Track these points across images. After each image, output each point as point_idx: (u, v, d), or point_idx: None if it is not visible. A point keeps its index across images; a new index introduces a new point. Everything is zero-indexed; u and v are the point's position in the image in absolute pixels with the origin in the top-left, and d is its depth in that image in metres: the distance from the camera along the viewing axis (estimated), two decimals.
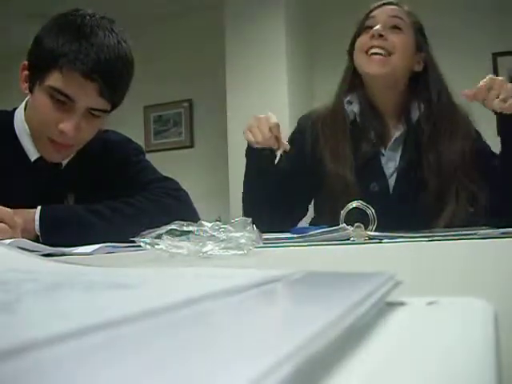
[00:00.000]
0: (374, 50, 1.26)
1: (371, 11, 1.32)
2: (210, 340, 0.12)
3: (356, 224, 0.91)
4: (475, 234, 0.85)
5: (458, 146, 1.26)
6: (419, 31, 1.33)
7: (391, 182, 1.29)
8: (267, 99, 3.49)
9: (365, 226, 0.93)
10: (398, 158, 1.30)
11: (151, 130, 4.63)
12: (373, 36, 1.27)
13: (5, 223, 0.86)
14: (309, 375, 0.11)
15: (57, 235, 0.97)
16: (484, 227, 0.96)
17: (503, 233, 0.82)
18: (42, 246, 0.78)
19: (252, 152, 1.27)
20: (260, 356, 0.10)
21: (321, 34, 3.85)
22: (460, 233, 0.89)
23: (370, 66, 1.27)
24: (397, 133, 1.31)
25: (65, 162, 1.17)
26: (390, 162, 1.31)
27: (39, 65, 1.03)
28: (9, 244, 0.64)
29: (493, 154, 1.30)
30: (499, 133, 1.24)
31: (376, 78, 1.28)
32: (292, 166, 1.30)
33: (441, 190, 1.24)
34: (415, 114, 1.30)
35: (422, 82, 1.31)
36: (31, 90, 1.07)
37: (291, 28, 3.60)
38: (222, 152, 3.76)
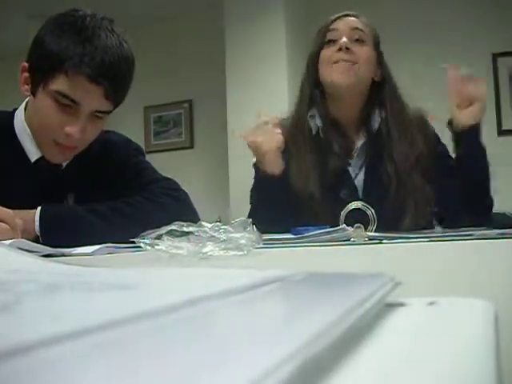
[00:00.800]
0: (341, 63, 1.28)
1: (331, 23, 1.33)
2: (210, 340, 0.12)
3: (356, 225, 0.91)
4: (473, 234, 0.85)
5: (415, 150, 1.29)
6: (378, 41, 1.35)
7: (359, 187, 1.31)
8: (267, 99, 3.49)
9: (365, 226, 0.93)
10: (362, 165, 1.33)
11: (151, 130, 4.63)
12: (340, 49, 1.28)
13: (5, 223, 0.86)
14: (309, 376, 0.11)
15: (57, 236, 0.97)
16: (481, 228, 0.96)
17: (500, 233, 0.83)
18: (42, 246, 0.78)
19: (268, 181, 1.25)
20: (260, 357, 0.10)
21: None
22: (459, 234, 0.89)
23: (336, 75, 1.28)
24: (359, 142, 1.34)
25: (65, 163, 1.17)
26: (357, 169, 1.33)
27: (42, 68, 1.03)
28: (9, 245, 0.64)
29: (449, 156, 1.34)
30: (458, 149, 1.28)
31: (341, 88, 1.29)
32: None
33: (401, 192, 1.27)
34: (375, 123, 1.33)
35: (380, 92, 1.33)
36: (33, 93, 1.07)
37: (291, 27, 3.60)
38: (222, 153, 3.75)
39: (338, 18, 1.33)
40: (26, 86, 1.08)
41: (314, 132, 1.33)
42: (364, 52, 1.29)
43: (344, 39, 1.28)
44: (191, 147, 4.53)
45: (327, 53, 1.30)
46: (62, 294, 0.20)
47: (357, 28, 1.31)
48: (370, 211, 1.00)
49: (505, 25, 3.37)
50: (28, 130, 1.12)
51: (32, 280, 0.25)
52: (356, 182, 1.31)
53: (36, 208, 1.01)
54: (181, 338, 0.12)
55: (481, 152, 1.25)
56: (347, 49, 1.27)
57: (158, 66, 4.38)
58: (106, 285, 0.22)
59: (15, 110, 1.17)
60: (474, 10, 3.46)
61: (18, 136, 1.13)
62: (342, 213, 1.02)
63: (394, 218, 1.22)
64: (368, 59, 1.30)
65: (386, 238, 0.89)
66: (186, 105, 4.50)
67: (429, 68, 3.39)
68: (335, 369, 0.12)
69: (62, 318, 0.14)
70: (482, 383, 0.12)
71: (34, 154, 1.12)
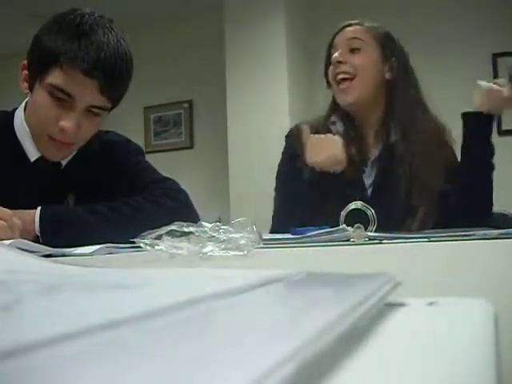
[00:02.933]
0: (339, 77, 1.31)
1: (333, 39, 1.35)
2: (209, 341, 0.12)
3: (356, 225, 0.91)
4: (473, 234, 0.85)
5: (429, 161, 1.29)
6: (385, 40, 1.33)
7: (369, 193, 1.32)
8: (267, 99, 3.49)
9: (365, 226, 0.93)
10: (374, 173, 1.34)
11: (151, 130, 4.63)
12: (334, 65, 1.31)
13: (4, 222, 0.86)
14: (309, 376, 0.11)
15: (57, 236, 0.97)
16: (482, 228, 0.96)
17: (501, 234, 0.83)
18: (42, 246, 0.78)
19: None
20: (260, 357, 0.10)
21: (321, 33, 3.84)
22: (459, 234, 0.89)
23: (339, 96, 1.33)
24: (376, 152, 1.35)
25: (64, 163, 1.17)
26: (370, 177, 1.34)
27: (39, 63, 1.04)
28: (9, 245, 0.64)
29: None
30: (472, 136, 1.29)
31: (347, 107, 1.33)
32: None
33: (411, 199, 1.28)
34: (393, 135, 1.33)
35: (395, 92, 1.33)
36: (31, 89, 1.07)
37: (291, 28, 3.60)
38: (222, 153, 3.76)
39: (339, 31, 1.35)
40: (26, 84, 1.09)
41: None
42: (360, 60, 1.30)
43: (335, 54, 1.31)
44: (191, 147, 4.53)
45: (330, 71, 1.34)
46: (62, 294, 0.20)
47: (353, 37, 1.31)
48: (370, 211, 1.00)
49: (505, 25, 3.37)
50: (28, 129, 1.12)
51: (32, 280, 0.25)
52: (367, 187, 1.32)
53: (36, 208, 1.01)
54: (180, 339, 0.12)
55: (486, 141, 1.27)
56: (339, 62, 1.30)
57: (158, 66, 4.38)
58: (106, 285, 0.22)
59: (15, 109, 1.18)
60: (474, 10, 3.46)
61: (18, 136, 1.13)
62: (342, 213, 1.02)
63: (401, 224, 1.22)
64: (366, 65, 1.30)
65: (386, 238, 0.89)
66: (185, 105, 4.50)
67: (429, 67, 3.40)
68: (335, 368, 0.12)
69: (62, 318, 0.14)
70: (482, 383, 0.12)
71: (33, 153, 1.12)
